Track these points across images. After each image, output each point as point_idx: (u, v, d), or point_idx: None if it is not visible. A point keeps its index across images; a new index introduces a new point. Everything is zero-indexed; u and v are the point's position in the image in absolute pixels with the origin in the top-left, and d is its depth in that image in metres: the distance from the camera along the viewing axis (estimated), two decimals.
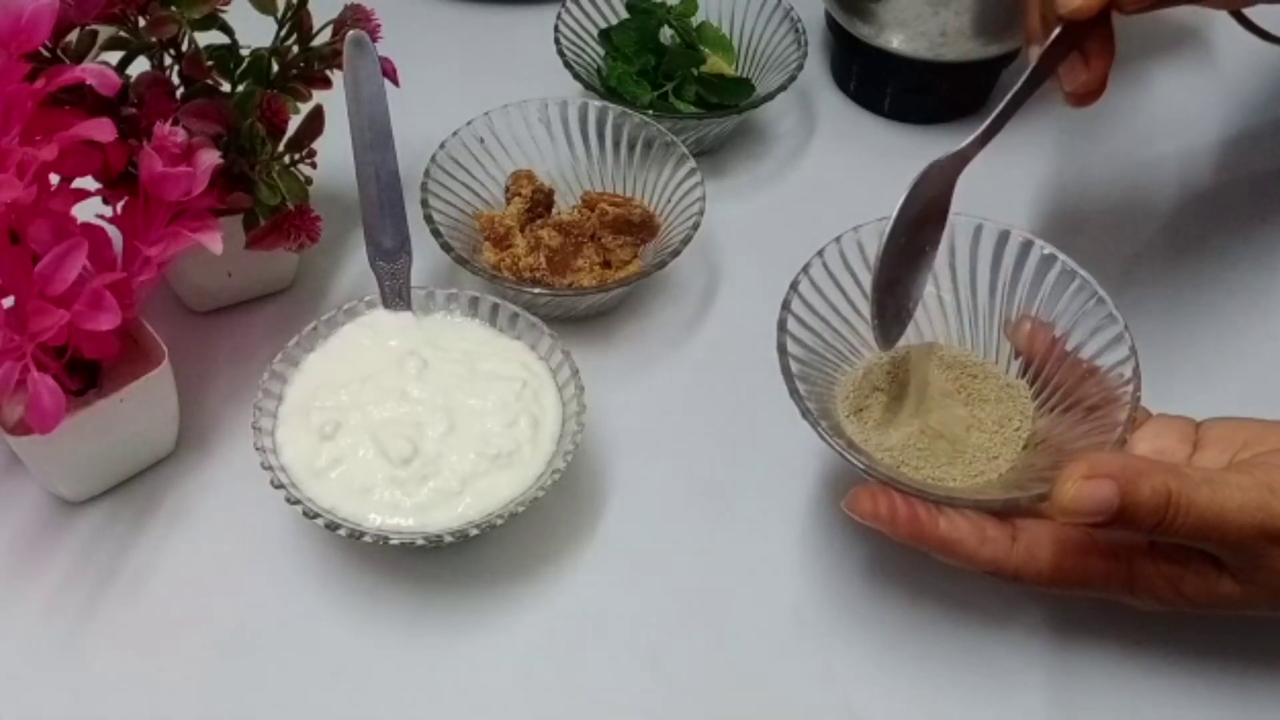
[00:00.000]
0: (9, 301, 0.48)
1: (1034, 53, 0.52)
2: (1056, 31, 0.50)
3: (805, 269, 0.53)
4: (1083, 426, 0.50)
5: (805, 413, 0.48)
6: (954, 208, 0.54)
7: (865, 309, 0.54)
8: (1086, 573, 0.46)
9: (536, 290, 0.60)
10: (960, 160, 0.52)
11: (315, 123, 0.56)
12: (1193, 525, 0.43)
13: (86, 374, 0.52)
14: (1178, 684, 0.51)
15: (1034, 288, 0.54)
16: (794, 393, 0.49)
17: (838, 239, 0.53)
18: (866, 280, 0.54)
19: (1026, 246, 0.54)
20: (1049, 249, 0.53)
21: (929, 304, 0.55)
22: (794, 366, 0.49)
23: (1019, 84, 0.51)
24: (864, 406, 0.53)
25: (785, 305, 0.51)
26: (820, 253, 0.53)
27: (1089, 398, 0.50)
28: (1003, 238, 0.54)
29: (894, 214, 0.50)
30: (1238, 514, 0.43)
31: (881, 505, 0.47)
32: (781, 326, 0.51)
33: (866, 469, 0.48)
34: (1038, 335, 0.53)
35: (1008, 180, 0.69)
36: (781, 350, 0.50)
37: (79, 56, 0.52)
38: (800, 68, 0.69)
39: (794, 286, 0.52)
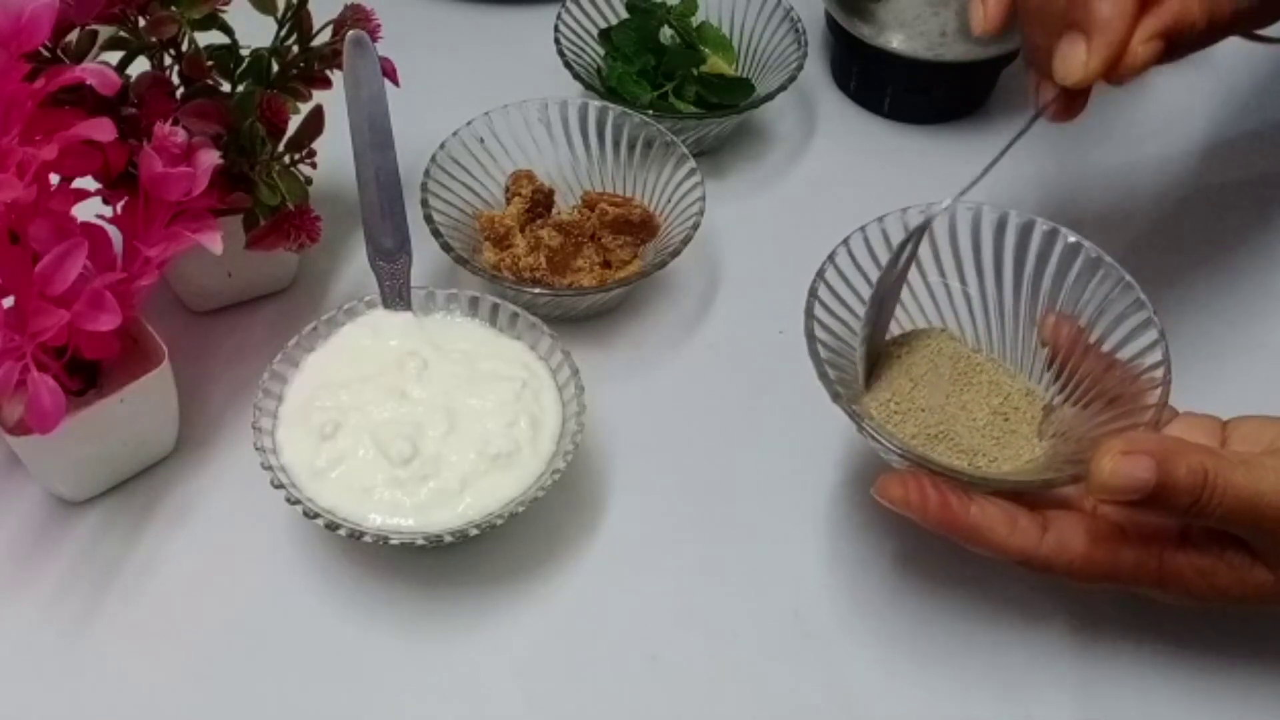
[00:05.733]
0: (9, 301, 0.48)
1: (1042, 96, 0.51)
2: (1054, 94, 0.49)
3: (831, 257, 0.53)
4: (1109, 414, 0.50)
5: (835, 396, 0.48)
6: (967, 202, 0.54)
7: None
8: (1117, 564, 0.46)
9: (536, 290, 0.60)
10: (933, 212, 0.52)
11: (315, 123, 0.56)
12: (1228, 507, 0.43)
13: (86, 374, 0.52)
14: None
15: (1059, 276, 0.54)
16: (823, 376, 0.49)
17: (863, 228, 0.53)
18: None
19: (1052, 235, 0.54)
20: (1074, 237, 0.53)
21: (954, 296, 0.55)
22: (822, 352, 0.50)
23: (1017, 135, 0.50)
24: (883, 393, 0.53)
25: (812, 292, 0.51)
26: (846, 241, 0.53)
27: (1116, 388, 0.50)
28: (1027, 227, 0.54)
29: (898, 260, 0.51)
30: (1274, 496, 0.43)
31: (912, 491, 0.46)
32: (809, 313, 0.51)
33: (901, 452, 0.48)
34: (1063, 326, 0.53)
35: (1007, 180, 0.69)
36: (810, 336, 0.50)
37: (79, 56, 0.52)
38: (800, 68, 0.69)
39: (820, 275, 0.52)
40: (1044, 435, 0.52)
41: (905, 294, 0.55)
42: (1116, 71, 0.47)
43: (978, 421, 0.52)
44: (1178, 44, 0.48)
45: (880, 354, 0.54)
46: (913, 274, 0.55)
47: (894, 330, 0.55)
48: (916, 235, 0.51)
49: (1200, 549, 0.46)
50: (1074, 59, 0.46)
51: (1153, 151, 0.73)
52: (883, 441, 0.48)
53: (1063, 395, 0.53)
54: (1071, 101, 0.49)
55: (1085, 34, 0.46)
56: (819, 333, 0.50)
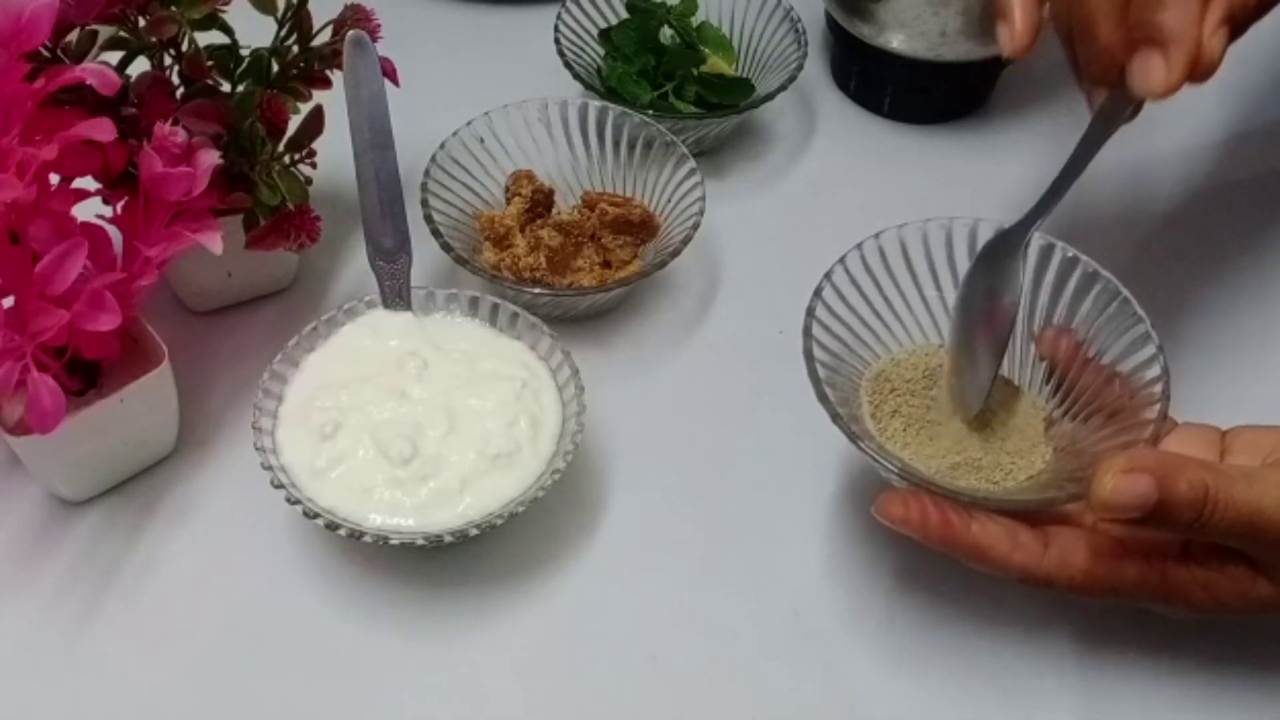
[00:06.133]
0: (9, 301, 0.48)
1: (1094, 103, 0.50)
2: (1116, 102, 0.49)
3: (828, 275, 0.53)
4: (1109, 429, 0.50)
5: (835, 417, 0.48)
6: (961, 213, 0.54)
7: (887, 313, 0.54)
8: (1119, 579, 0.46)
9: (536, 290, 0.60)
10: (1023, 229, 0.51)
11: (315, 123, 0.56)
12: (1230, 522, 0.43)
13: (86, 374, 0.52)
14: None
15: (1057, 291, 0.54)
16: (822, 397, 0.49)
17: (859, 245, 0.53)
18: (888, 284, 0.54)
19: (1048, 250, 0.54)
20: (1071, 252, 0.53)
21: (951, 311, 0.55)
22: (821, 372, 0.49)
23: (1080, 147, 0.50)
24: (884, 410, 0.53)
25: (810, 312, 0.51)
26: (843, 259, 0.53)
27: (1115, 402, 0.50)
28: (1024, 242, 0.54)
29: (959, 292, 0.52)
30: (1274, 510, 0.43)
31: (913, 510, 0.46)
32: (807, 332, 0.50)
33: (900, 473, 0.48)
34: (1061, 340, 0.53)
35: (1008, 181, 0.69)
36: (808, 356, 0.50)
37: (79, 56, 0.52)
38: (800, 68, 0.69)
39: (818, 293, 0.52)
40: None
41: (902, 310, 0.55)
42: (1197, 71, 0.47)
43: (993, 437, 0.52)
44: (1238, 25, 0.47)
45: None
46: (909, 290, 0.55)
47: (892, 349, 0.55)
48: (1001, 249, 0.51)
49: (1202, 563, 0.46)
50: (1155, 74, 0.46)
51: (1154, 154, 0.73)
52: (882, 461, 0.48)
53: (1062, 409, 0.53)
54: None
55: (1159, 46, 0.46)
56: (818, 352, 0.50)
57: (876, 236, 0.53)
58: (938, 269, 0.55)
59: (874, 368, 0.54)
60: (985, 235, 0.54)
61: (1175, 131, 0.74)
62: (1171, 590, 0.46)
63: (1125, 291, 0.52)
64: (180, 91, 0.54)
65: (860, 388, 0.53)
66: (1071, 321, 0.53)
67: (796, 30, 0.71)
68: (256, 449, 0.51)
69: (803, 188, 0.71)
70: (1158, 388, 0.49)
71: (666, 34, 0.72)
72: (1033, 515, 0.48)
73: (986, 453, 0.52)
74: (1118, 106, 0.48)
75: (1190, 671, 0.52)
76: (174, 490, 0.56)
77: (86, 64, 0.50)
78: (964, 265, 0.54)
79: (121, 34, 0.54)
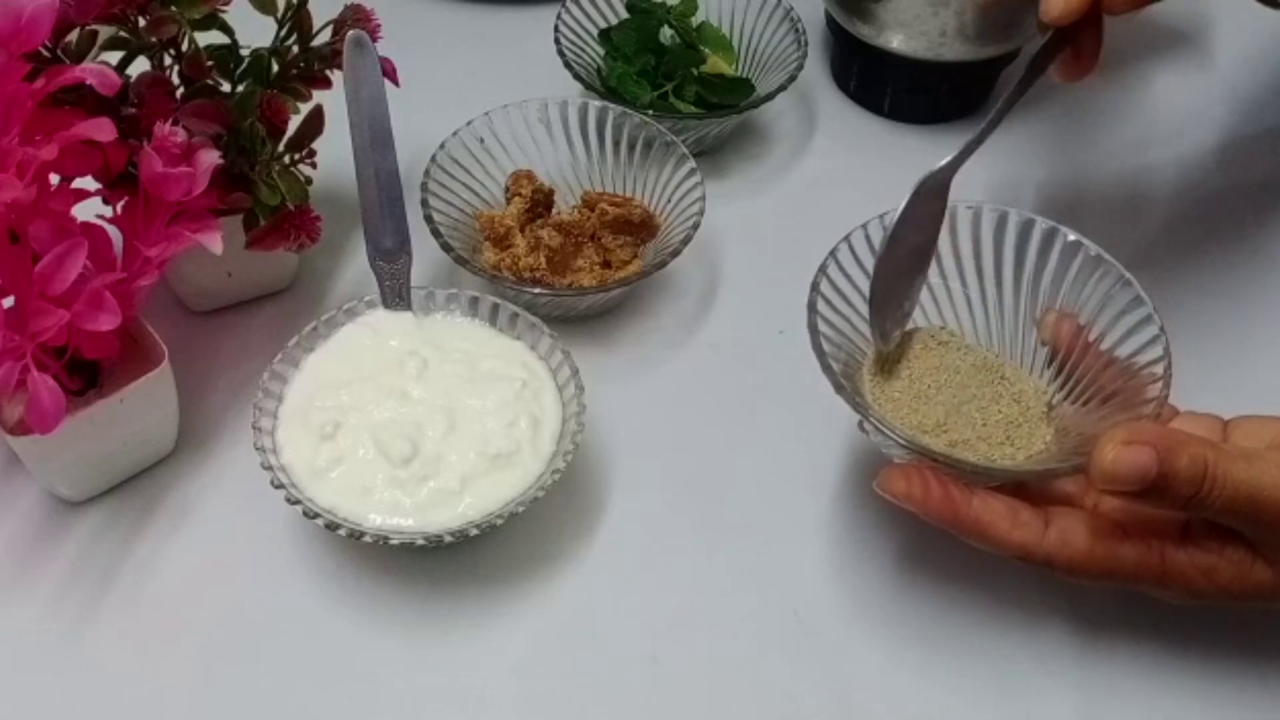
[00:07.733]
0: (9, 301, 0.48)
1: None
2: (1049, 35, 0.50)
3: (833, 253, 0.53)
4: (1110, 409, 0.50)
5: (839, 388, 0.48)
6: (967, 201, 0.54)
7: None
8: (1118, 561, 0.46)
9: (536, 290, 0.60)
10: (953, 167, 0.52)
11: (315, 123, 0.56)
12: (1228, 499, 0.43)
13: (86, 374, 0.52)
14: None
15: (1059, 274, 0.54)
16: (826, 369, 0.49)
17: (864, 225, 0.54)
18: None
19: (1051, 235, 0.54)
20: (1074, 236, 0.53)
21: (954, 295, 0.56)
22: (825, 346, 0.50)
23: (1014, 86, 0.51)
24: (885, 392, 0.53)
25: (814, 287, 0.51)
26: (847, 237, 0.53)
27: (1116, 385, 0.50)
28: (1026, 226, 0.54)
29: (894, 221, 0.51)
30: (1274, 489, 0.43)
31: (914, 485, 0.46)
32: (811, 307, 0.51)
33: (905, 444, 0.48)
34: (1063, 324, 0.53)
35: (1008, 181, 0.69)
36: (812, 330, 0.50)
37: (79, 56, 0.52)
38: (800, 68, 0.69)
39: (823, 269, 0.52)
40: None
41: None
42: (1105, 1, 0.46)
43: (994, 417, 0.53)
44: None
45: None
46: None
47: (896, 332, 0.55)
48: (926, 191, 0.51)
49: (1201, 546, 0.46)
50: None
51: (1153, 155, 0.73)
52: (885, 433, 0.48)
53: (1063, 393, 0.53)
54: (1077, 56, 0.49)
55: None
56: (822, 327, 0.50)
57: (881, 217, 0.54)
58: (940, 251, 0.55)
59: (875, 351, 0.54)
60: (989, 219, 0.54)
61: (1177, 131, 0.74)
62: (1170, 574, 0.46)
63: (1128, 274, 0.52)
64: (180, 91, 0.54)
65: (862, 367, 0.54)
66: (1074, 305, 0.53)
67: (796, 30, 0.71)
68: (256, 449, 0.51)
69: (803, 188, 0.71)
70: (1159, 368, 0.49)
71: (666, 34, 0.72)
72: (1034, 494, 0.48)
73: (987, 433, 0.52)
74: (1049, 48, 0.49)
75: (1188, 661, 0.52)
76: (174, 490, 0.56)
77: (86, 64, 0.50)
78: (966, 249, 0.55)
79: (121, 34, 0.54)
